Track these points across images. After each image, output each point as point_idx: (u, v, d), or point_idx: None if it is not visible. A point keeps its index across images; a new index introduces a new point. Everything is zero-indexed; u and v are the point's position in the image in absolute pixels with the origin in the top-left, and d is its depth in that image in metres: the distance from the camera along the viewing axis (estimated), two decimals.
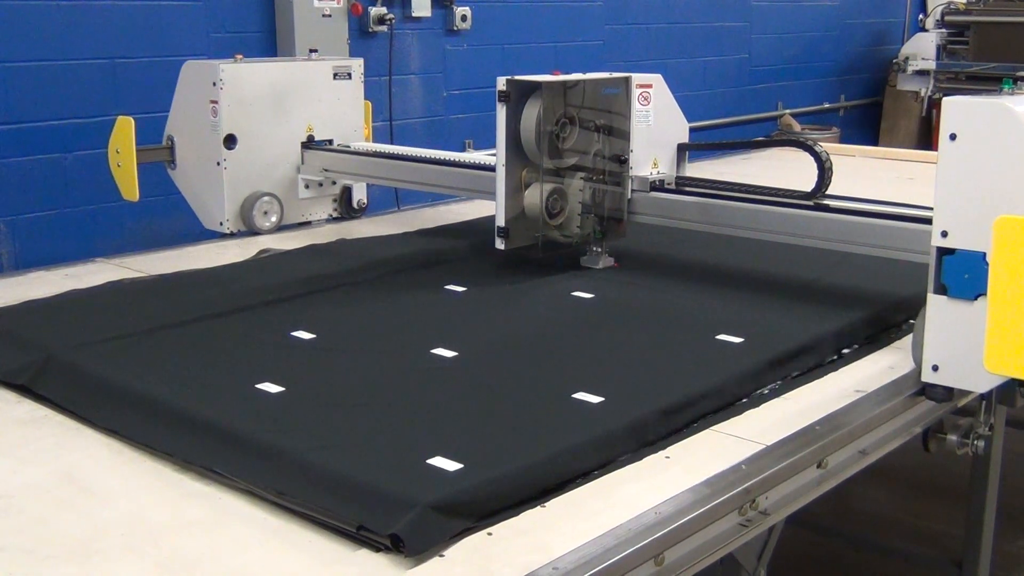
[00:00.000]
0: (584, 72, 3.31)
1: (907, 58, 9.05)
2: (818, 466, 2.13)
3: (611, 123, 3.26)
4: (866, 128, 9.95)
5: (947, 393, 2.32)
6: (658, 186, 3.33)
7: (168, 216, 4.89)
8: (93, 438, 2.14)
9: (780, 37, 8.99)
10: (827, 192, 2.99)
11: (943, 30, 9.11)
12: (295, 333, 2.64)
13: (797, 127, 8.66)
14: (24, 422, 2.22)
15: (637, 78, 3.30)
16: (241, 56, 3.83)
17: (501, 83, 3.08)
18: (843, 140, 8.65)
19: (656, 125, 3.34)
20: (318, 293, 3.01)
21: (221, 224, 3.80)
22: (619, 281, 3.14)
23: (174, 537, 1.76)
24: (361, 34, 5.99)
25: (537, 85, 3.09)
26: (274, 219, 3.86)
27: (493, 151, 3.18)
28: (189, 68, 3.84)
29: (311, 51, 4.22)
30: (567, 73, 3.22)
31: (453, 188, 3.84)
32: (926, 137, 9.40)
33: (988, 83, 8.46)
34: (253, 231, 3.81)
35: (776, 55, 8.97)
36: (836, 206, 2.96)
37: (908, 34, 9.96)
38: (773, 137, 7.91)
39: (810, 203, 2.99)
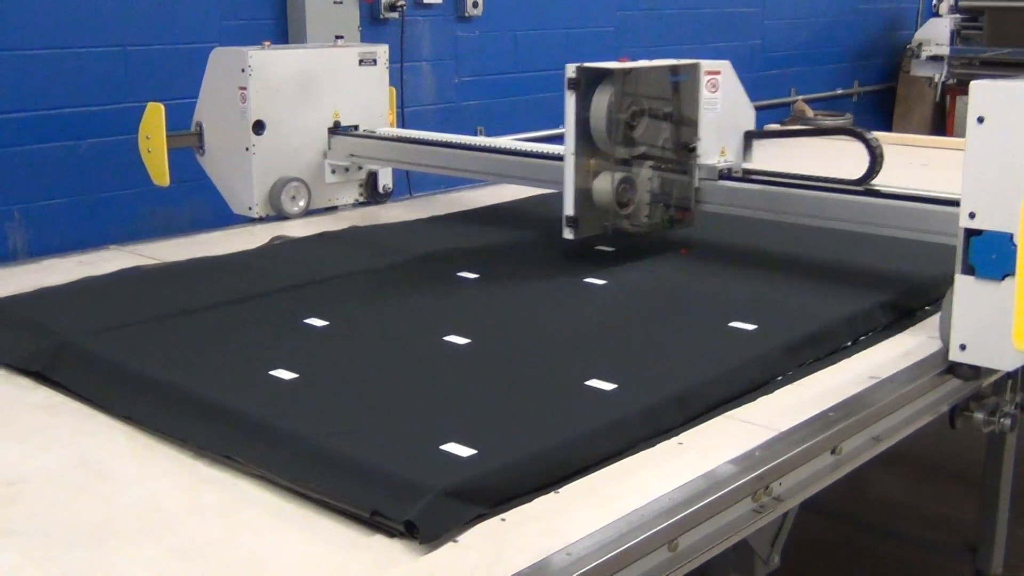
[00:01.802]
0: (601, 59, 3.26)
1: (921, 44, 8.99)
2: (832, 452, 2.13)
3: (679, 111, 3.20)
4: (880, 114, 9.90)
5: (974, 371, 2.35)
6: (726, 174, 3.27)
7: (182, 203, 4.90)
8: (108, 424, 2.15)
9: (793, 23, 8.94)
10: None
11: (957, 15, 9.04)
12: (308, 320, 2.64)
13: (810, 113, 8.62)
14: (40, 408, 2.24)
15: (705, 65, 3.22)
16: (269, 43, 3.86)
17: (571, 70, 3.00)
18: (856, 126, 8.60)
19: (723, 112, 3.27)
20: (331, 280, 3.02)
21: (250, 209, 3.83)
22: (633, 268, 3.13)
23: (189, 522, 1.77)
24: (372, 21, 5.97)
25: (606, 72, 3.03)
26: (302, 204, 3.90)
27: (512, 136, 3.16)
28: (218, 55, 3.86)
29: (337, 37, 4.23)
30: (593, 60, 3.14)
31: (481, 173, 3.86)
32: (940, 123, 9.35)
33: (1002, 68, 8.41)
34: (281, 215, 3.84)
35: (789, 41, 8.92)
36: (887, 191, 2.96)
37: (922, 19, 9.89)
38: (785, 123, 7.87)
39: (862, 189, 2.99)
